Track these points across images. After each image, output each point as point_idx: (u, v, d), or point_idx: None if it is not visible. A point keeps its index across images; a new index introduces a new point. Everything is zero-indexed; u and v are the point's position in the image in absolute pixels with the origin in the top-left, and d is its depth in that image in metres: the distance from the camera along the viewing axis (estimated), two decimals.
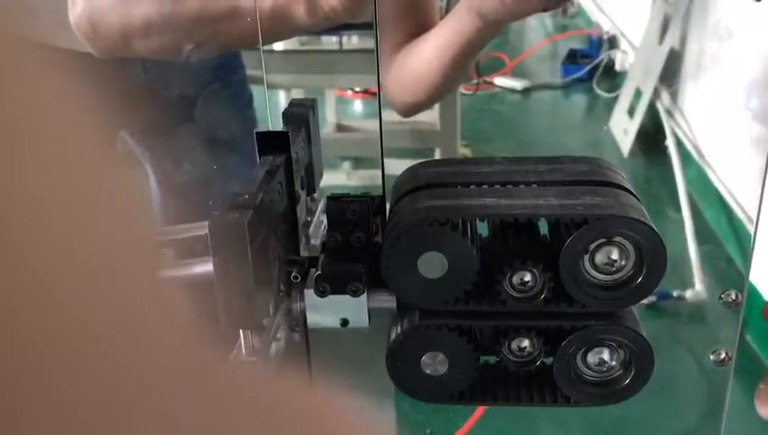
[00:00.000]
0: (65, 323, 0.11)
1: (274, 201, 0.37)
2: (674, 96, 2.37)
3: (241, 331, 0.35)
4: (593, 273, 0.35)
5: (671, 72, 2.36)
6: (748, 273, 0.38)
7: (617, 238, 0.34)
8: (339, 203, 0.38)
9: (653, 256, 0.34)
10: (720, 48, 2.06)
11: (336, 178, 2.19)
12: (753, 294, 0.41)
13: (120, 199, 0.13)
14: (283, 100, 2.27)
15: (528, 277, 0.36)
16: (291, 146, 0.38)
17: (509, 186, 0.37)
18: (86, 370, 0.11)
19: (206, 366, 0.14)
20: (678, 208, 2.01)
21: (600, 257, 0.35)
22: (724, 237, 1.96)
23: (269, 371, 0.36)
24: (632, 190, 0.37)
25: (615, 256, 0.35)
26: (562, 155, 0.40)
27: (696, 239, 1.90)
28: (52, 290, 0.11)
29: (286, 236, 0.39)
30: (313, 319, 0.38)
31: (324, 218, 0.44)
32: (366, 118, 2.74)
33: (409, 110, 0.74)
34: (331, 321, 0.38)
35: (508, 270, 0.35)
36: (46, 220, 0.11)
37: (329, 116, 2.50)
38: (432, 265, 0.35)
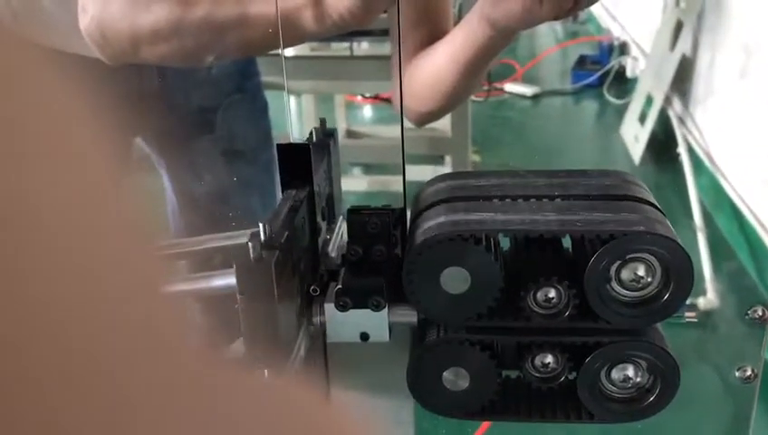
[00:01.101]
0: (61, 335, 0.10)
1: (299, 236, 0.37)
2: (685, 103, 2.36)
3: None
4: (619, 289, 0.35)
5: (683, 79, 2.35)
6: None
7: (643, 254, 0.34)
8: (359, 216, 0.38)
9: (680, 273, 0.34)
10: (735, 55, 2.05)
11: (350, 184, 2.19)
12: None
13: (127, 208, 0.13)
14: (294, 105, 2.27)
15: (552, 293, 0.35)
16: (313, 176, 0.38)
17: (533, 200, 0.37)
18: (83, 387, 0.10)
19: (210, 382, 0.14)
20: (690, 216, 2.00)
21: (626, 274, 0.34)
22: (737, 245, 1.95)
23: (282, 383, 0.36)
24: (657, 205, 0.37)
25: (641, 272, 0.34)
26: (586, 168, 0.40)
27: (708, 247, 1.88)
28: (51, 303, 0.10)
29: (307, 264, 0.39)
30: (333, 333, 0.38)
31: (343, 234, 0.44)
32: (376, 123, 2.74)
33: (422, 119, 0.73)
34: (351, 335, 0.37)
35: (532, 286, 0.35)
36: (47, 229, 0.11)
37: (339, 122, 2.50)
38: (455, 280, 0.35)
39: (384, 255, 0.38)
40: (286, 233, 0.33)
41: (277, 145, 0.38)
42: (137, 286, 0.12)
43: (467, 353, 0.37)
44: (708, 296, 1.80)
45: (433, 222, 0.36)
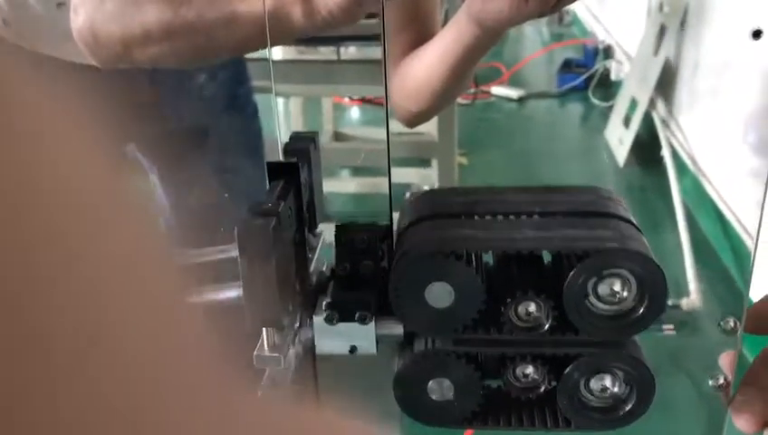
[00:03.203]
0: (75, 332, 0.10)
1: (290, 218, 0.38)
2: (669, 106, 2.39)
3: (264, 328, 0.36)
4: (596, 303, 0.36)
5: (667, 83, 2.38)
6: (745, 301, 0.39)
7: (618, 270, 0.35)
8: (347, 232, 0.39)
9: (653, 288, 0.35)
10: (717, 60, 2.08)
11: (337, 186, 2.20)
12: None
13: (134, 209, 0.13)
14: (281, 107, 2.28)
15: (533, 307, 0.37)
16: (300, 179, 0.39)
17: (513, 217, 0.38)
18: (99, 387, 0.11)
19: (224, 392, 0.14)
20: (674, 217, 2.03)
21: (602, 288, 0.36)
22: (719, 246, 1.98)
23: (282, 395, 0.37)
24: (633, 221, 0.38)
25: (617, 287, 0.36)
26: (565, 185, 0.41)
27: (692, 248, 1.91)
28: (62, 305, 0.10)
29: (297, 250, 0.40)
30: (322, 346, 0.39)
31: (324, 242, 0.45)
32: (363, 125, 2.75)
33: (412, 119, 0.74)
34: (340, 347, 0.39)
35: (513, 300, 0.36)
36: (53, 224, 0.11)
37: (326, 124, 2.51)
38: (439, 294, 0.36)
39: (371, 269, 0.39)
40: (282, 204, 0.36)
41: (267, 163, 0.39)
42: (145, 281, 0.12)
43: (452, 365, 0.38)
44: (691, 298, 1.83)
45: (417, 238, 0.37)
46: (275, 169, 0.39)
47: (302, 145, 0.44)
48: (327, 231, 0.47)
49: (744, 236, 1.86)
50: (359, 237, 0.39)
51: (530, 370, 0.38)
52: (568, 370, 0.37)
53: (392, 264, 0.38)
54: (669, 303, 1.75)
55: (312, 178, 0.44)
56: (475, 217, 0.39)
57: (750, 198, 1.85)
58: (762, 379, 0.39)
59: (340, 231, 0.40)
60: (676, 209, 2.07)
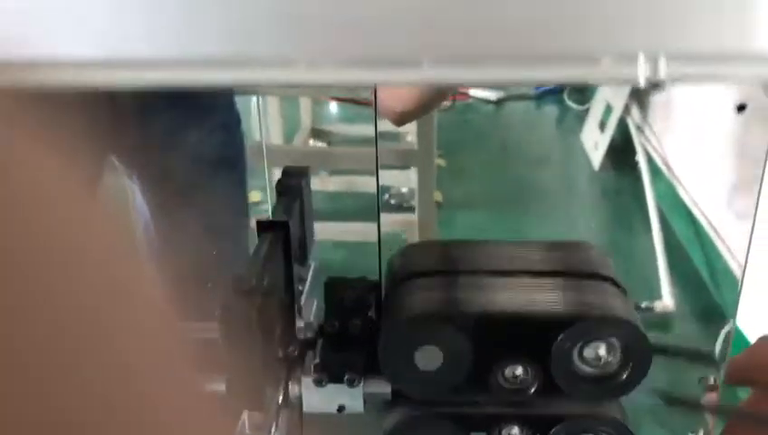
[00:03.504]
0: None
1: (277, 285, 0.38)
2: (644, 113, 2.42)
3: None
4: (582, 367, 0.37)
5: (641, 89, 2.41)
6: (723, 362, 0.40)
7: (605, 336, 0.36)
8: (336, 289, 0.39)
9: (638, 353, 0.36)
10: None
11: (317, 185, 2.19)
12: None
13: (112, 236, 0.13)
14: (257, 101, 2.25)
15: (520, 371, 0.37)
16: (290, 237, 0.39)
17: (500, 277, 0.39)
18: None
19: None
20: (648, 221, 2.06)
21: (588, 352, 0.37)
22: (691, 248, 2.02)
23: None
24: (619, 282, 0.39)
25: (602, 352, 0.36)
26: (554, 241, 0.42)
27: (665, 251, 1.95)
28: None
29: (284, 315, 0.40)
30: (309, 404, 0.39)
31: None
32: (342, 122, 2.74)
33: (399, 118, 0.74)
34: (328, 407, 0.39)
35: (500, 365, 0.37)
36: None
37: (303, 120, 2.49)
38: (428, 357, 0.37)
39: (360, 327, 0.39)
40: (266, 279, 0.35)
41: (257, 221, 0.39)
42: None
43: (439, 426, 0.38)
44: (664, 300, 1.86)
45: (406, 300, 0.38)
46: (265, 228, 0.39)
47: (294, 182, 0.44)
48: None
49: (714, 238, 1.90)
50: (348, 295, 0.39)
51: (515, 431, 0.38)
52: (553, 431, 0.38)
53: (381, 323, 0.38)
54: (642, 305, 1.78)
55: (305, 215, 0.44)
56: (463, 275, 0.39)
57: (722, 204, 1.89)
58: (741, 431, 0.40)
59: (329, 287, 0.40)
60: (650, 213, 2.10)
